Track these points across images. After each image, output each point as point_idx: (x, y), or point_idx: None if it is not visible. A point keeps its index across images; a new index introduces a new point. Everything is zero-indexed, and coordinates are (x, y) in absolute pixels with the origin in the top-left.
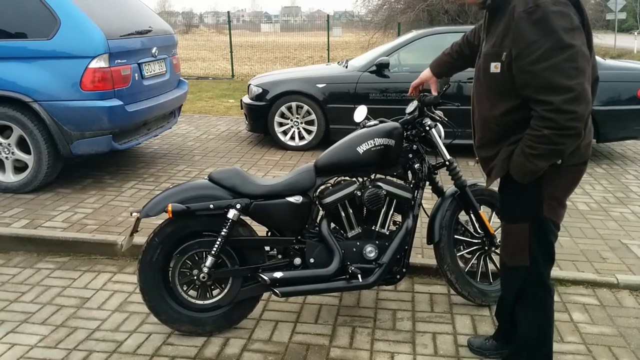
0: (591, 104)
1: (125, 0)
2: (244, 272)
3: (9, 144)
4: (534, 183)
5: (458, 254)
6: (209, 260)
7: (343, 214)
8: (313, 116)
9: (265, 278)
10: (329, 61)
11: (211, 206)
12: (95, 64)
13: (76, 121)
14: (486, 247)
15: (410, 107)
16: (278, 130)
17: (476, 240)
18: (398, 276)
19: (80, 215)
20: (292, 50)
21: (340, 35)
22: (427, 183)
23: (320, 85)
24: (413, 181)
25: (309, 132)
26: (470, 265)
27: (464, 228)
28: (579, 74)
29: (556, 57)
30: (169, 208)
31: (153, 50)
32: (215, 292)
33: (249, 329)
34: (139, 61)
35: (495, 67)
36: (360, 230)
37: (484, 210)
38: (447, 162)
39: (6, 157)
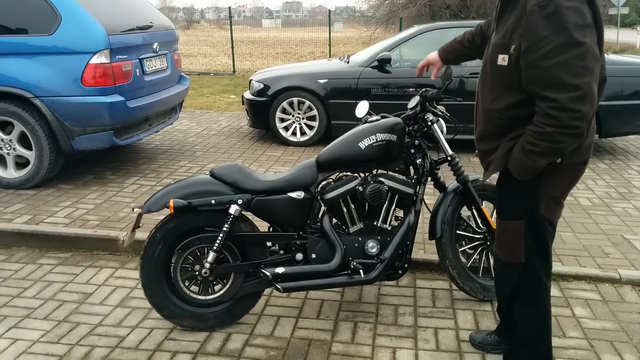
0: (596, 105)
1: None
2: (246, 268)
3: (10, 140)
4: (532, 180)
5: (460, 250)
6: (211, 256)
7: (345, 210)
8: (314, 112)
9: (267, 273)
10: (330, 57)
11: (213, 202)
12: (96, 59)
13: (77, 117)
14: (488, 243)
15: (412, 103)
16: (279, 125)
17: (478, 236)
18: (400, 271)
19: (82, 211)
20: (294, 46)
21: (341, 31)
22: (429, 178)
23: (321, 81)
24: (415, 176)
25: (310, 127)
26: (472, 260)
27: (466, 223)
28: (587, 72)
29: (566, 54)
30: (171, 204)
31: (154, 46)
32: (217, 288)
33: (251, 324)
34: (140, 57)
35: (502, 60)
36: (362, 226)
37: (486, 206)
38: (449, 158)
39: (7, 153)
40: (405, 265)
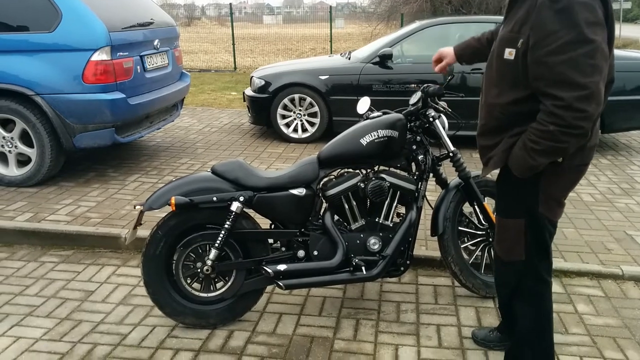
0: (602, 105)
1: None
2: (248, 265)
3: (11, 138)
4: (532, 179)
5: (462, 246)
6: (213, 253)
7: (346, 206)
8: (316, 108)
9: (269, 270)
10: (331, 53)
11: (214, 199)
12: (97, 56)
13: (79, 114)
14: (490, 239)
15: (413, 99)
16: (281, 122)
17: (480, 232)
18: (402, 268)
19: (83, 209)
20: (295, 42)
21: (342, 27)
22: (431, 175)
23: (323, 77)
24: (417, 173)
25: (311, 124)
26: (474, 257)
27: (468, 220)
28: (595, 71)
29: (574, 51)
30: (173, 201)
31: (155, 43)
32: (219, 285)
33: (253, 321)
34: (141, 54)
35: (509, 54)
36: (363, 222)
37: (488, 202)
38: (451, 154)
39: (9, 151)
40: (407, 262)
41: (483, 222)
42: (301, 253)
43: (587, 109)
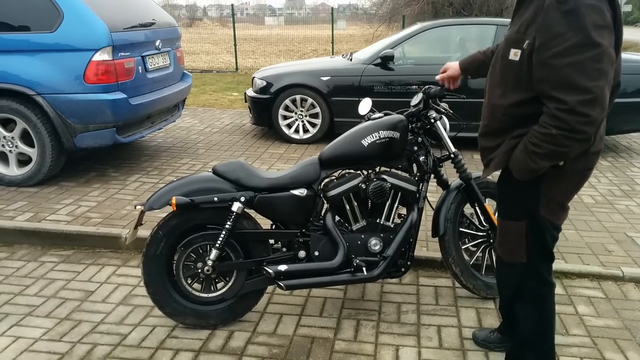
0: (607, 111)
1: None
2: (249, 265)
3: (12, 137)
4: (533, 182)
5: (463, 247)
6: (213, 253)
7: (348, 207)
8: (317, 109)
9: (270, 271)
10: (333, 54)
11: (215, 199)
12: (98, 56)
13: (80, 114)
14: (491, 240)
15: (415, 100)
16: (282, 123)
17: (481, 233)
18: (403, 269)
19: (84, 209)
20: (296, 44)
21: (344, 28)
22: (432, 176)
23: (324, 78)
24: (418, 174)
25: (313, 125)
26: (475, 258)
27: (469, 221)
28: (601, 76)
29: (581, 54)
30: (173, 201)
31: (157, 43)
32: (219, 285)
33: (254, 322)
34: (143, 54)
35: (514, 54)
36: (365, 223)
37: (489, 203)
38: (452, 155)
39: (10, 151)
40: (408, 263)
41: (484, 223)
42: (302, 253)
43: (591, 114)
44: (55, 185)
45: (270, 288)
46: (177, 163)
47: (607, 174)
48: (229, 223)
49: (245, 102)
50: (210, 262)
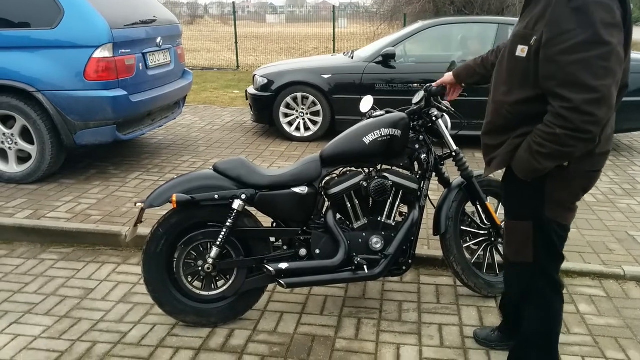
0: (613, 111)
1: None
2: (249, 263)
3: (12, 134)
4: (537, 182)
5: (464, 245)
6: (214, 251)
7: (349, 205)
8: (318, 107)
9: (271, 269)
10: (334, 52)
11: (216, 196)
12: (99, 53)
13: (80, 111)
14: (492, 239)
15: (416, 98)
16: (283, 121)
17: (483, 232)
18: (404, 267)
19: (84, 206)
20: (298, 42)
21: (345, 27)
22: (434, 174)
23: (325, 76)
24: (419, 172)
25: (314, 123)
26: (476, 256)
27: (471, 219)
28: (608, 75)
29: (588, 52)
30: (174, 198)
31: (157, 40)
32: (220, 283)
33: (254, 320)
34: (144, 51)
35: (521, 51)
36: (366, 221)
37: (491, 202)
38: (453, 153)
39: (9, 148)
40: (410, 261)
41: (485, 221)
42: (303, 252)
43: (596, 113)
44: (55, 182)
45: (271, 286)
46: (178, 161)
47: (609, 172)
48: (229, 221)
49: (246, 99)
50: (210, 260)
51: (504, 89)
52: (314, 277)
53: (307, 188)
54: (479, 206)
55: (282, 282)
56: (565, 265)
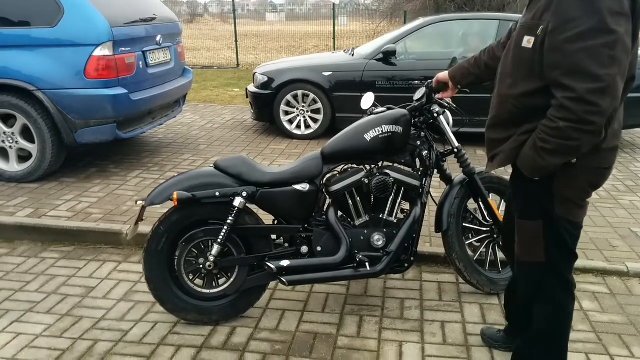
0: (618, 102)
1: None
2: (251, 261)
3: (12, 133)
4: (544, 180)
5: (467, 242)
6: (215, 249)
7: (350, 202)
8: (319, 105)
9: (272, 266)
10: (334, 50)
11: (217, 194)
12: (99, 52)
13: (80, 110)
14: (495, 235)
15: (418, 94)
16: (284, 119)
17: (485, 229)
18: (406, 264)
19: (84, 205)
20: (298, 40)
21: (346, 24)
22: (435, 171)
23: (326, 74)
24: (421, 169)
25: (315, 120)
26: (478, 253)
27: (473, 216)
28: (614, 64)
29: (593, 40)
30: (175, 196)
31: (157, 38)
32: (221, 281)
33: (256, 318)
34: (144, 49)
35: (528, 42)
36: (367, 218)
37: (493, 198)
38: (455, 150)
39: (10, 146)
40: (412, 259)
41: (487, 218)
42: (304, 249)
43: (600, 103)
44: (55, 181)
45: (272, 284)
46: (178, 159)
47: None
48: (230, 218)
49: (247, 97)
50: (212, 258)
51: (509, 81)
52: (316, 274)
53: (308, 185)
54: (481, 203)
55: (284, 280)
56: None
